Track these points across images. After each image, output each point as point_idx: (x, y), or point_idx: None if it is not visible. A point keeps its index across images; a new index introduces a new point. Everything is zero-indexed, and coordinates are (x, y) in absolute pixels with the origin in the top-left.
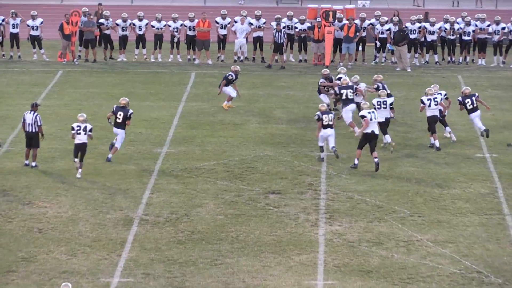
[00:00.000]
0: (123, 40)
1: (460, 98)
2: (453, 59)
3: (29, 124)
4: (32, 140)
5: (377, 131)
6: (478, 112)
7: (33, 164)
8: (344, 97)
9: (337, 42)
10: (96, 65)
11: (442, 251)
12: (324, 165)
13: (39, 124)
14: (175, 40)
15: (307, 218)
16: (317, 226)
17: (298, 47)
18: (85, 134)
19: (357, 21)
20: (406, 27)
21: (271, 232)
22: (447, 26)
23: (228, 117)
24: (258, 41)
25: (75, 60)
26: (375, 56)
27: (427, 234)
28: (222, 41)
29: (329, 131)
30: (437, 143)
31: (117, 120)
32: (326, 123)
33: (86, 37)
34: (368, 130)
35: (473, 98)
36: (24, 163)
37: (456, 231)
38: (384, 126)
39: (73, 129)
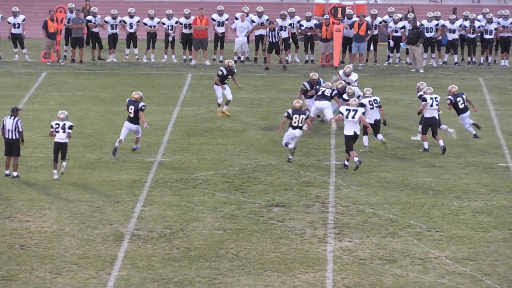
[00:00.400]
0: (113, 39)
1: (450, 97)
2: (474, 59)
3: (9, 130)
4: (13, 147)
5: (358, 131)
6: (469, 112)
7: (14, 174)
8: (320, 92)
9: (347, 41)
10: (83, 66)
11: (462, 269)
12: (333, 176)
13: (20, 130)
14: (170, 39)
15: (314, 233)
16: (325, 242)
17: (304, 46)
18: (64, 132)
19: (368, 18)
20: (422, 24)
21: (274, 249)
22: (467, 23)
23: (227, 123)
24: (261, 40)
25: (60, 60)
26: (388, 57)
27: (446, 250)
28: (220, 40)
29: (297, 132)
30: (426, 145)
31: (130, 114)
32: (296, 124)
33: (74, 35)
34: (350, 132)
35: (463, 96)
36: (5, 173)
37: (477, 248)
38: (376, 129)
39: (52, 127)
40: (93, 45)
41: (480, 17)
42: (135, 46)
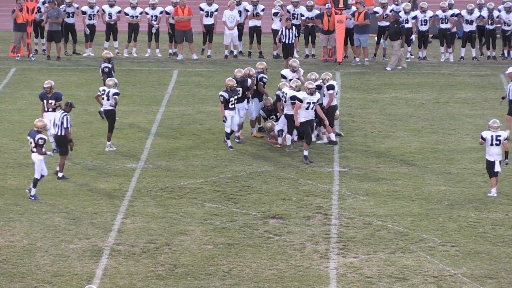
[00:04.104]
0: (90, 30)
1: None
2: (494, 54)
3: (56, 125)
4: (59, 143)
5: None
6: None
7: (60, 174)
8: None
9: (350, 33)
10: (56, 62)
11: None
12: (336, 184)
13: (65, 126)
14: (153, 30)
15: (316, 249)
16: (328, 258)
17: (305, 39)
18: (108, 99)
19: (378, 9)
20: (437, 16)
21: (271, 266)
22: (485, 13)
23: (218, 125)
24: (255, 31)
25: (31, 55)
26: None
27: (462, 267)
28: (208, 33)
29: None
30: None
31: (238, 95)
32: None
33: (51, 28)
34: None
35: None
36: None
37: (497, 264)
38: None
39: (99, 91)
40: (66, 38)
41: (500, 7)
42: (115, 39)
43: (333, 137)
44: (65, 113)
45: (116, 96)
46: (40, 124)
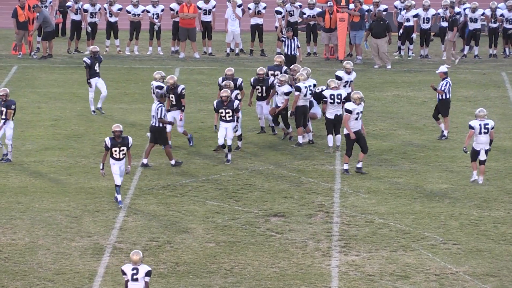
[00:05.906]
0: (92, 28)
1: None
2: (495, 52)
3: (152, 116)
4: (156, 135)
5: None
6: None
7: (172, 162)
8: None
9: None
10: (58, 59)
11: (482, 286)
12: (338, 182)
13: (160, 116)
14: (155, 28)
15: (317, 247)
16: (330, 256)
17: (307, 37)
18: (153, 93)
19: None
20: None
21: (273, 264)
22: (488, 12)
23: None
24: (257, 29)
25: (33, 53)
26: (399, 48)
27: (464, 265)
28: (206, 30)
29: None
30: (300, 139)
31: (172, 102)
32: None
33: (49, 28)
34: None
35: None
36: (142, 162)
37: (499, 262)
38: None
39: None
40: (71, 36)
41: (501, 4)
42: (116, 37)
43: (300, 139)
44: (161, 104)
45: (159, 90)
46: (116, 129)
